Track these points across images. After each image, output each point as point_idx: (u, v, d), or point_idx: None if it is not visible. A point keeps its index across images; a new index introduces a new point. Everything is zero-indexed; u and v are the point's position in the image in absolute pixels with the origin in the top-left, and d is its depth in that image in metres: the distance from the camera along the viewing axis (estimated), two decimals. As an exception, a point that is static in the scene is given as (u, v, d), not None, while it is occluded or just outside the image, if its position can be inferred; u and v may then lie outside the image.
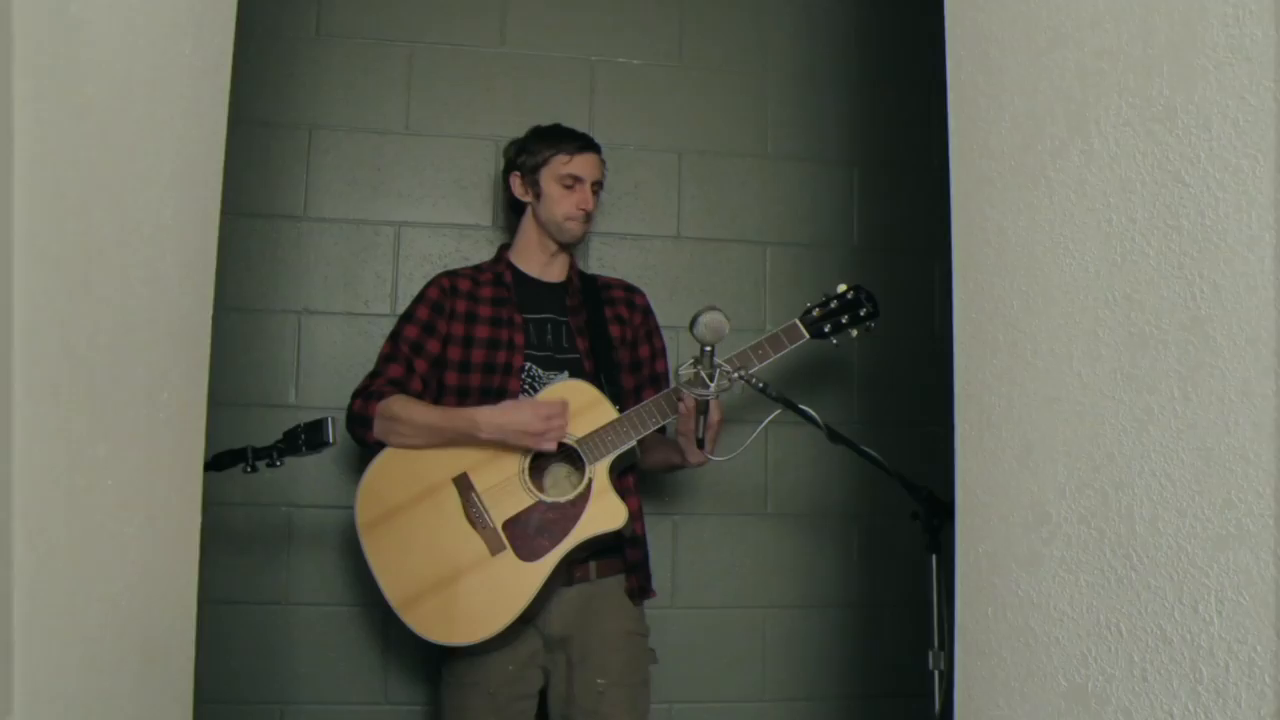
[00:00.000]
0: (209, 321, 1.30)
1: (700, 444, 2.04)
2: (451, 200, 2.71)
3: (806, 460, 2.77)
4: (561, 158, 2.31)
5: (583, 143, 2.34)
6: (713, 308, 1.85)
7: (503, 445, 2.11)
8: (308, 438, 1.91)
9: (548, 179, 2.32)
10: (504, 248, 2.43)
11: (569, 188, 2.30)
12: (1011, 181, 1.27)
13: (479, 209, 2.72)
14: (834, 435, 2.01)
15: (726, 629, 2.70)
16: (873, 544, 2.79)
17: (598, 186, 2.34)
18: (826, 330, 2.22)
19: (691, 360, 1.92)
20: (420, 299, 2.29)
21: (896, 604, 2.73)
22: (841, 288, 2.25)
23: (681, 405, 2.11)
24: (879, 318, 2.25)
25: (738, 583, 2.72)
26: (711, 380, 1.89)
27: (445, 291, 2.29)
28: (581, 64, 2.79)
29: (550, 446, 2.09)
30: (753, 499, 2.76)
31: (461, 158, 2.71)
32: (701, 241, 2.81)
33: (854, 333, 2.24)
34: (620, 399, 2.25)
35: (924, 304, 2.87)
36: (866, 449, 2.02)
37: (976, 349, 1.32)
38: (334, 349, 2.61)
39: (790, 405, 2.01)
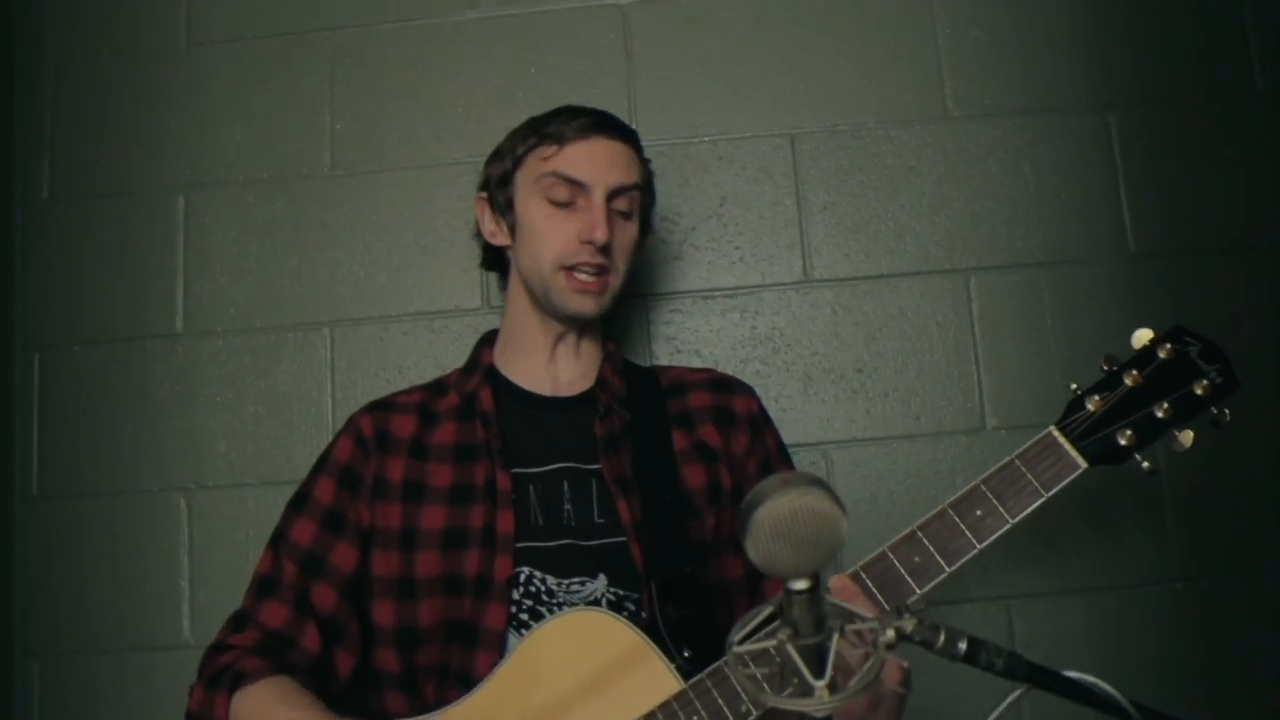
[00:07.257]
0: None
1: None
2: (414, 274, 1.61)
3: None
4: (544, 149, 1.24)
5: (587, 121, 1.24)
6: (794, 482, 0.55)
7: None
8: None
9: (525, 192, 1.25)
10: (484, 343, 1.33)
11: (562, 205, 1.21)
12: None
13: (457, 281, 1.61)
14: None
15: None
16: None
17: (629, 202, 1.24)
18: (1123, 443, 0.97)
19: (768, 610, 0.62)
20: (321, 467, 1.25)
21: None
22: (1144, 337, 1.01)
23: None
24: (1236, 392, 0.98)
25: None
26: (823, 666, 0.59)
27: (365, 447, 1.23)
28: (608, 11, 1.65)
29: None
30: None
31: (422, 200, 1.62)
32: (850, 284, 1.59)
33: (1187, 437, 0.98)
34: (718, 608, 1.10)
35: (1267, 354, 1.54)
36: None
37: None
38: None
39: (1053, 684, 0.73)
